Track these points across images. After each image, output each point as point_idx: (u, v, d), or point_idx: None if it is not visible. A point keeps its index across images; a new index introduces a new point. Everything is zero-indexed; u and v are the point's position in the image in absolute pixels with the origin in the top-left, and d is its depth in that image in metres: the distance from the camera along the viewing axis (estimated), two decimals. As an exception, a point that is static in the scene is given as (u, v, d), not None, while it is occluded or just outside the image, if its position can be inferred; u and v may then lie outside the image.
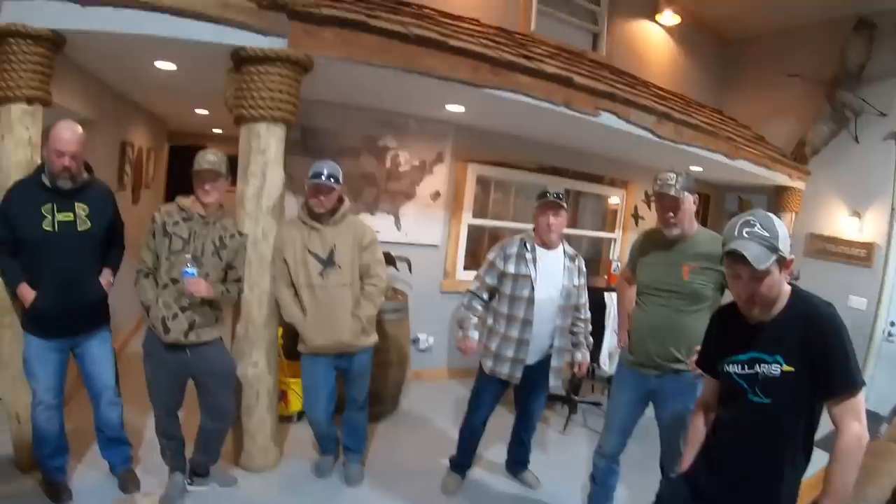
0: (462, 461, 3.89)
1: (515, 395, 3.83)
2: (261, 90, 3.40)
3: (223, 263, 3.26)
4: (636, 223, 7.60)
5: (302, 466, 3.92)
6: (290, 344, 4.00)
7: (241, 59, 3.42)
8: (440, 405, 5.25)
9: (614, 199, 7.59)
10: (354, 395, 3.69)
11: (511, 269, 3.52)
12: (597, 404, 5.42)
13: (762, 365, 1.99)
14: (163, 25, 3.25)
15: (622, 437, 3.38)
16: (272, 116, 3.43)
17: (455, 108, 4.95)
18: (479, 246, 6.30)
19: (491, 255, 3.64)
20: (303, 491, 3.68)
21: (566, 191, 6.49)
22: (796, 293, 2.03)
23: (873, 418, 2.18)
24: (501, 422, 4.15)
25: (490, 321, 3.66)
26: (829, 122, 7.07)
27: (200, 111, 6.79)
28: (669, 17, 7.54)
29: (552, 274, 3.54)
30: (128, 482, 3.42)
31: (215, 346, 3.29)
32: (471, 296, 3.65)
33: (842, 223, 6.98)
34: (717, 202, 8.65)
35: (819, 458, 2.04)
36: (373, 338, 3.62)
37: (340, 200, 3.48)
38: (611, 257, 7.52)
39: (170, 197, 7.98)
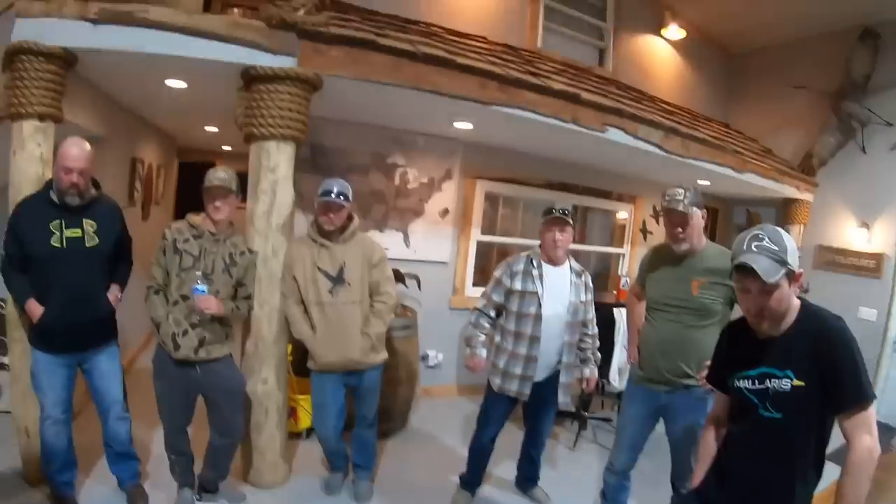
0: (472, 478, 3.87)
1: (524, 412, 3.81)
2: (271, 108, 3.43)
3: (233, 280, 3.27)
4: (644, 238, 7.59)
5: (311, 483, 3.91)
6: (300, 360, 4.01)
7: (252, 78, 3.45)
8: (449, 422, 5.23)
9: (622, 215, 7.58)
10: (364, 413, 3.68)
11: (518, 286, 3.52)
12: (607, 420, 5.40)
13: (772, 380, 1.99)
14: (174, 44, 3.30)
15: (633, 452, 3.36)
16: (282, 135, 3.46)
17: (463, 126, 4.97)
18: (487, 262, 6.29)
19: (497, 273, 3.64)
20: (312, 508, 3.67)
21: (574, 206, 6.54)
22: (806, 307, 2.03)
23: (885, 431, 2.17)
24: (511, 438, 4.14)
25: (497, 339, 3.65)
26: (836, 133, 7.08)
27: (210, 128, 6.84)
28: (675, 32, 7.59)
29: (559, 290, 3.54)
30: (136, 497, 3.42)
31: (225, 363, 3.30)
32: (478, 313, 3.65)
33: (850, 234, 6.97)
34: (725, 216, 8.64)
35: (831, 472, 2.03)
36: (382, 355, 3.62)
37: (350, 218, 3.49)
38: (619, 272, 7.50)
39: (179, 213, 8.04)
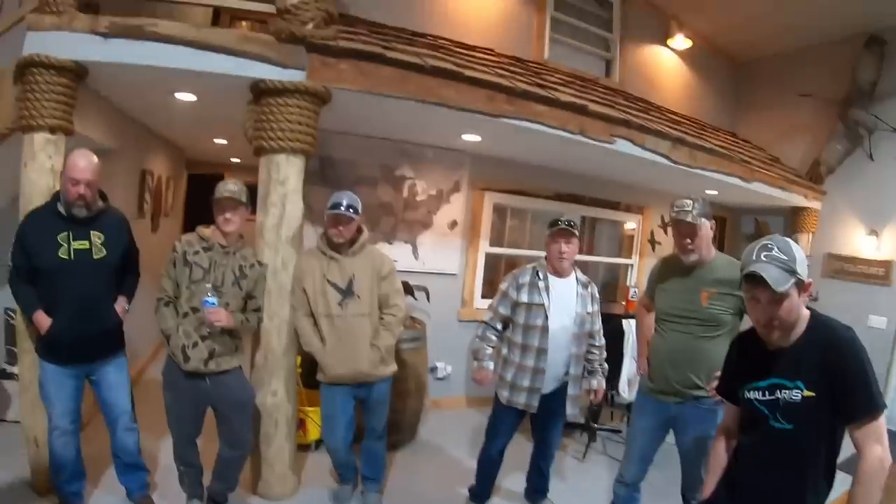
0: (481, 491, 3.86)
1: (532, 424, 3.79)
2: (280, 122, 3.45)
3: (243, 293, 3.28)
4: (653, 248, 7.58)
5: (320, 495, 3.90)
6: (309, 373, 4.02)
7: (261, 91, 3.48)
8: (458, 434, 5.22)
9: (630, 225, 7.57)
10: (373, 425, 3.68)
11: (524, 298, 3.51)
12: (616, 431, 5.39)
13: (783, 391, 1.99)
14: (184, 58, 3.34)
15: (643, 464, 3.36)
16: (291, 148, 3.48)
17: (471, 138, 4.98)
18: (496, 274, 6.28)
19: (503, 285, 3.64)
20: (321, 520, 3.67)
21: (582, 218, 6.54)
22: (815, 317, 2.03)
23: (895, 440, 2.16)
24: (519, 450, 4.12)
25: (505, 351, 3.64)
26: (843, 141, 7.08)
27: (219, 141, 6.88)
28: (681, 42, 7.61)
29: (565, 302, 3.53)
30: (144, 508, 3.44)
31: (235, 375, 3.30)
32: (484, 326, 3.65)
33: (859, 242, 6.96)
34: (733, 225, 8.63)
35: (842, 482, 2.03)
36: (392, 367, 3.62)
37: (359, 231, 3.51)
38: (628, 283, 7.48)
39: (188, 225, 8.08)
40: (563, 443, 4.97)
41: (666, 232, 7.54)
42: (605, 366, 3.76)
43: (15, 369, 4.08)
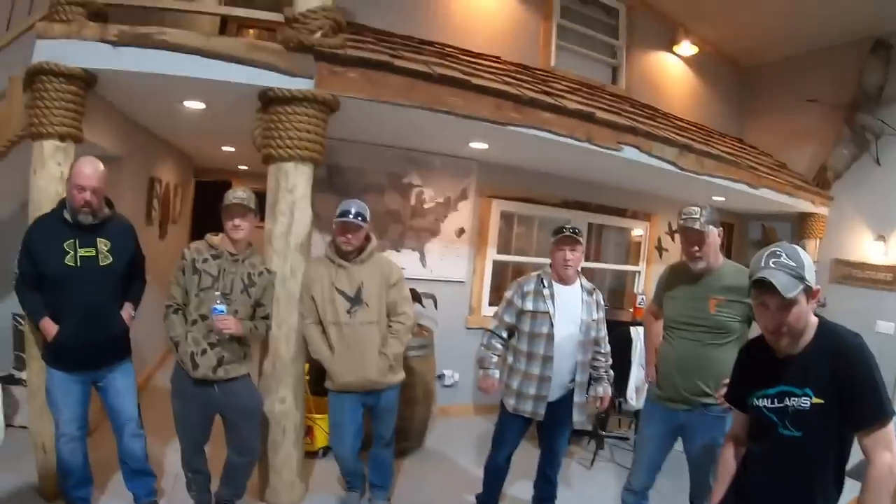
0: (488, 498, 3.85)
1: (539, 432, 3.77)
2: (289, 130, 3.47)
3: (252, 300, 3.29)
4: (660, 255, 7.56)
5: (327, 502, 3.90)
6: (316, 380, 4.02)
7: (270, 100, 3.50)
8: (466, 441, 5.21)
9: (637, 232, 7.57)
10: (381, 432, 3.68)
11: (529, 306, 3.51)
12: (624, 439, 5.38)
13: (792, 398, 1.99)
14: (193, 66, 3.37)
15: (651, 472, 3.34)
16: (300, 156, 3.50)
17: (479, 146, 4.99)
18: (503, 281, 6.27)
19: (508, 294, 3.63)
20: (329, 527, 3.67)
21: (589, 225, 6.54)
22: (823, 324, 2.03)
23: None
24: (527, 457, 4.11)
25: (510, 359, 3.63)
26: (850, 146, 7.07)
27: (227, 148, 6.90)
28: (687, 48, 7.61)
29: (571, 309, 3.52)
30: (152, 514, 3.45)
31: (243, 382, 3.31)
32: (490, 335, 3.64)
33: (866, 247, 6.95)
34: (740, 231, 8.60)
35: (851, 489, 2.02)
36: (400, 375, 3.62)
37: (368, 239, 3.52)
38: (635, 290, 7.47)
39: (195, 232, 8.12)
40: (570, 450, 4.96)
41: (673, 239, 7.55)
42: (611, 372, 3.75)
43: (23, 375, 4.10)
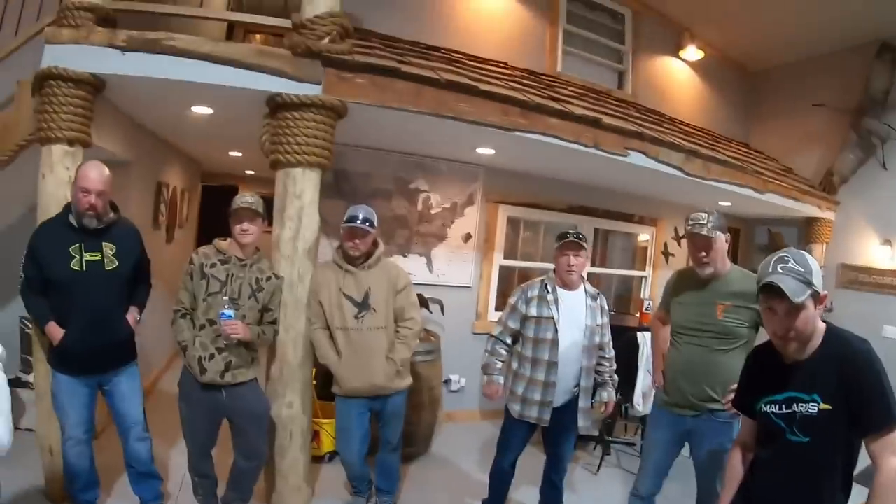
0: None
1: (544, 438, 3.76)
2: (297, 136, 3.47)
3: (259, 305, 3.30)
4: (667, 260, 7.55)
5: (334, 507, 3.91)
6: (323, 384, 4.03)
7: (277, 105, 3.50)
8: (472, 447, 5.21)
9: (644, 237, 7.55)
10: (388, 437, 3.69)
11: (533, 311, 3.50)
12: (630, 444, 5.37)
13: (799, 404, 1.99)
14: (201, 72, 3.37)
15: (658, 478, 3.34)
16: (308, 161, 3.50)
17: (485, 151, 5.00)
18: (509, 286, 6.24)
19: (512, 299, 3.63)
20: (335, 532, 3.67)
21: (595, 230, 6.53)
22: (830, 330, 2.04)
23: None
24: (532, 463, 4.09)
25: (515, 365, 3.63)
26: (856, 150, 7.04)
27: (234, 153, 6.93)
28: (693, 53, 7.58)
29: (575, 315, 3.51)
30: (159, 517, 3.46)
31: (251, 387, 3.32)
32: (494, 341, 3.64)
33: (873, 252, 6.91)
34: (746, 236, 8.58)
35: (858, 494, 2.02)
36: (407, 380, 3.63)
37: (375, 244, 3.53)
38: (642, 296, 7.45)
39: (202, 236, 8.14)
40: (576, 455, 4.96)
41: (679, 244, 7.54)
42: (616, 377, 3.74)
43: (30, 378, 4.11)
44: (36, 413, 3.48)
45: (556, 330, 3.44)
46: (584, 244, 3.46)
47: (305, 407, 3.74)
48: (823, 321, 2.04)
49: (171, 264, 6.07)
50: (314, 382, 3.97)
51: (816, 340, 2.01)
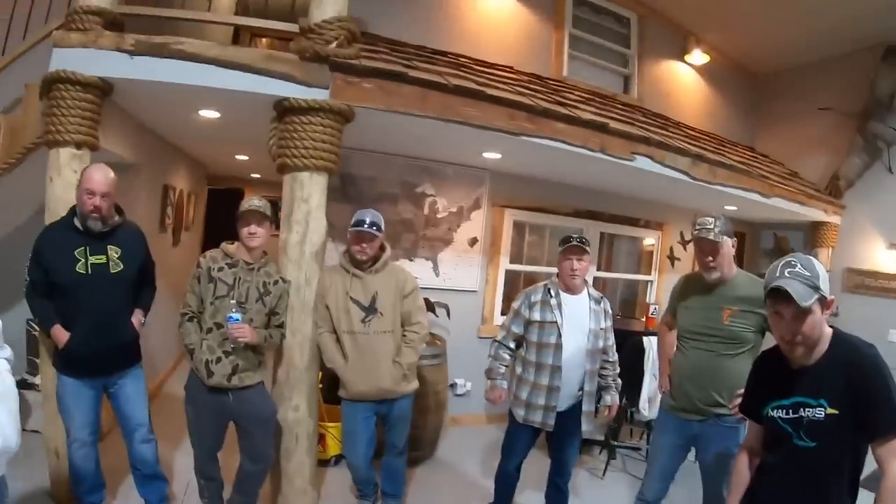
0: (499, 508, 3.86)
1: (548, 442, 3.76)
2: (304, 140, 3.48)
3: (267, 309, 3.30)
4: (672, 265, 7.54)
5: (340, 510, 3.91)
6: (329, 388, 4.03)
7: (285, 110, 3.51)
8: (477, 451, 5.21)
9: (649, 241, 7.55)
10: (394, 441, 3.69)
11: (537, 316, 3.50)
12: (636, 449, 5.36)
13: (806, 409, 2.00)
14: (208, 76, 3.39)
15: (664, 482, 3.34)
16: (315, 165, 3.50)
17: (492, 155, 5.00)
18: (515, 291, 6.24)
19: (516, 304, 3.63)
20: (341, 535, 3.67)
21: (601, 234, 6.53)
22: (837, 335, 2.04)
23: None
24: (538, 467, 4.10)
25: (519, 370, 3.62)
26: (862, 154, 7.05)
27: (240, 156, 6.94)
28: (699, 57, 7.59)
29: (579, 319, 3.51)
30: (165, 520, 3.46)
31: (257, 390, 3.32)
32: (497, 345, 3.64)
33: (879, 256, 6.92)
34: (752, 240, 8.57)
35: (864, 499, 2.02)
36: (413, 384, 3.63)
37: (382, 248, 3.53)
38: (647, 300, 7.45)
39: (208, 239, 8.15)
40: (582, 460, 4.95)
41: (685, 248, 7.53)
42: (619, 381, 3.74)
43: (36, 380, 4.12)
44: (42, 415, 3.49)
45: (559, 334, 3.44)
46: (588, 248, 3.46)
47: (311, 410, 3.74)
48: (830, 326, 2.05)
49: (177, 267, 6.10)
50: (320, 386, 3.97)
51: (823, 345, 2.02)
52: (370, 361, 3.42)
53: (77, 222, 3.09)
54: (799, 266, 1.96)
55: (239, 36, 5.42)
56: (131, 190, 4.51)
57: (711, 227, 3.01)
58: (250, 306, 3.22)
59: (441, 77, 3.85)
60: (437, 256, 5.66)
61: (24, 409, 4.19)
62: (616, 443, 5.13)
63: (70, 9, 3.42)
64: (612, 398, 3.69)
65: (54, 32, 3.38)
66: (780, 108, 8.31)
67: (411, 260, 5.48)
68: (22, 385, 4.27)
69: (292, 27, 3.62)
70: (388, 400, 3.53)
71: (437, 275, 5.66)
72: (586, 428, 3.60)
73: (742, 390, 2.43)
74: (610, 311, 3.70)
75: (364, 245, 3.39)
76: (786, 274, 1.95)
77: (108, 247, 3.15)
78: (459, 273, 5.78)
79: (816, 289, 1.93)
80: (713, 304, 3.11)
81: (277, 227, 3.59)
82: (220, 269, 3.22)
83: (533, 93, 4.57)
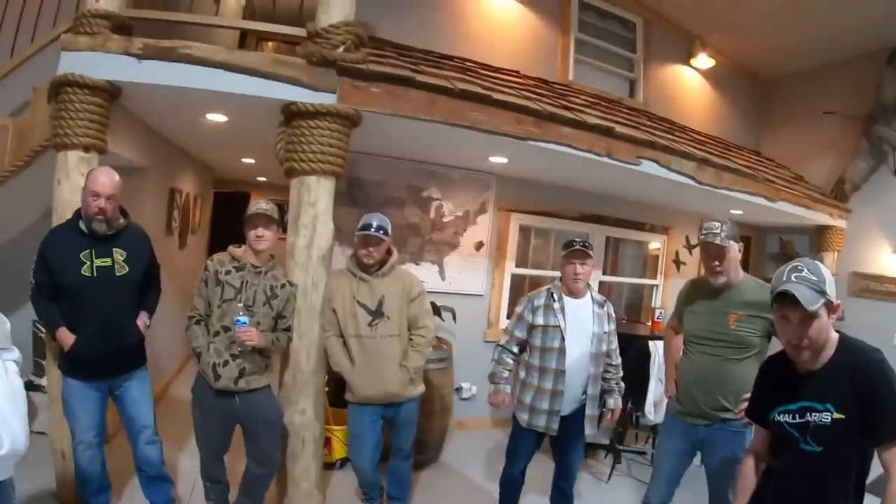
0: (504, 511, 3.85)
1: (553, 446, 3.74)
2: (311, 144, 3.49)
3: (274, 313, 3.31)
4: (678, 269, 7.53)
5: (345, 514, 3.91)
6: (335, 392, 4.03)
7: (292, 114, 3.53)
8: (483, 454, 5.21)
9: (655, 245, 7.54)
10: (400, 444, 3.69)
11: (540, 320, 3.49)
12: (641, 453, 5.35)
13: (813, 413, 2.00)
14: (216, 80, 3.41)
15: (669, 487, 3.33)
16: (322, 170, 3.52)
17: (498, 160, 5.01)
18: (521, 295, 6.25)
19: (519, 308, 3.62)
20: (346, 538, 3.67)
21: (606, 238, 6.53)
22: (843, 340, 2.05)
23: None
24: (542, 470, 4.08)
25: (522, 374, 3.61)
26: (868, 158, 7.03)
27: (247, 160, 6.96)
28: (704, 61, 7.58)
29: (582, 323, 3.50)
30: (170, 521, 3.47)
31: (264, 394, 3.33)
32: (500, 350, 3.63)
33: (885, 260, 6.89)
34: (758, 244, 8.55)
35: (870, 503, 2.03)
36: (420, 388, 3.63)
37: (389, 252, 3.54)
38: (653, 304, 7.43)
39: (214, 242, 8.17)
40: (587, 464, 4.95)
41: (691, 252, 7.52)
42: (622, 384, 3.73)
43: (42, 381, 4.14)
44: (48, 416, 3.50)
45: (563, 338, 3.43)
46: (591, 252, 3.45)
47: (318, 414, 3.75)
48: (836, 331, 2.05)
49: (184, 270, 6.12)
50: (326, 389, 3.98)
51: (830, 350, 2.02)
52: (377, 365, 3.42)
53: (82, 225, 3.09)
54: (806, 270, 1.97)
55: (246, 40, 5.46)
56: (138, 193, 4.53)
57: (718, 231, 3.01)
58: (257, 310, 3.23)
59: (448, 82, 3.86)
60: (444, 260, 5.67)
61: (31, 411, 4.13)
62: (621, 447, 5.12)
63: (78, 12, 3.44)
64: (615, 402, 3.68)
65: (62, 36, 3.40)
66: (785, 111, 8.30)
67: (417, 264, 5.49)
68: (28, 387, 4.27)
69: (300, 31, 3.64)
70: (394, 403, 3.53)
71: (444, 279, 5.67)
72: (589, 432, 3.59)
73: (748, 395, 2.44)
74: (613, 315, 3.69)
75: (371, 249, 3.39)
76: (793, 278, 1.96)
77: (114, 249, 3.16)
78: (465, 277, 5.79)
79: (823, 293, 1.93)
80: (719, 309, 3.11)
81: (284, 231, 3.60)
82: (228, 273, 3.23)
83: (539, 97, 4.57)
